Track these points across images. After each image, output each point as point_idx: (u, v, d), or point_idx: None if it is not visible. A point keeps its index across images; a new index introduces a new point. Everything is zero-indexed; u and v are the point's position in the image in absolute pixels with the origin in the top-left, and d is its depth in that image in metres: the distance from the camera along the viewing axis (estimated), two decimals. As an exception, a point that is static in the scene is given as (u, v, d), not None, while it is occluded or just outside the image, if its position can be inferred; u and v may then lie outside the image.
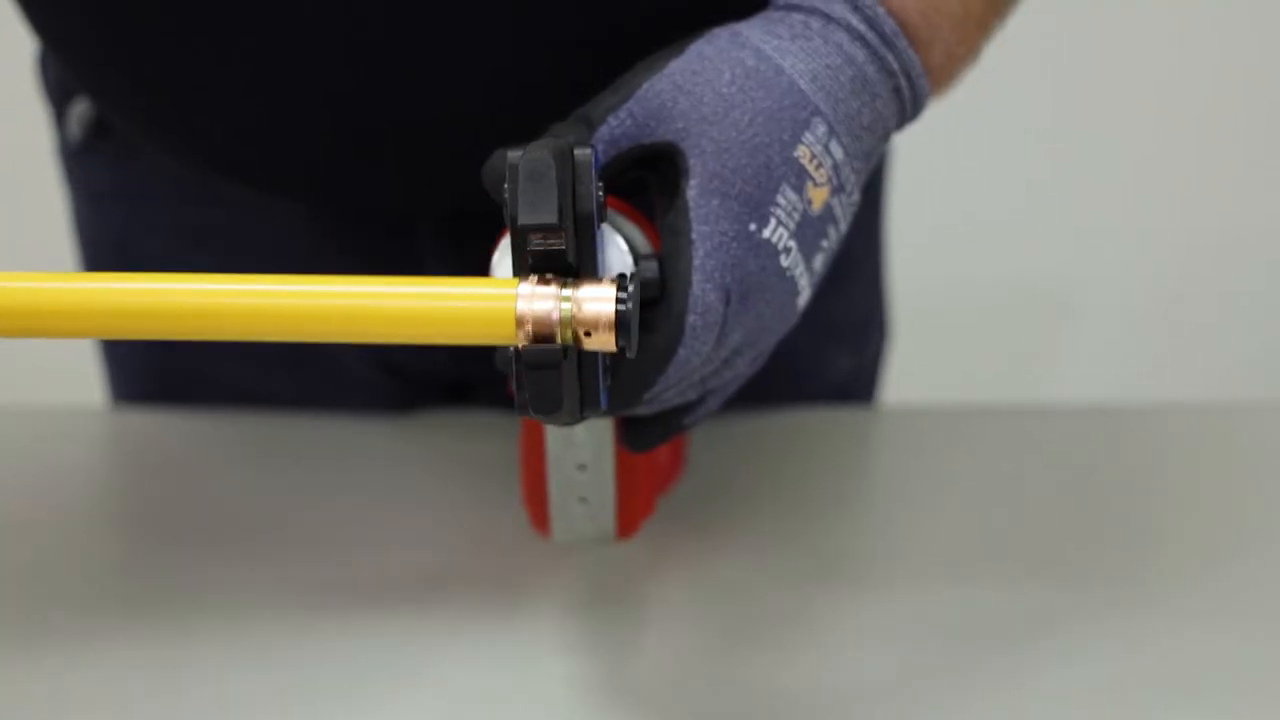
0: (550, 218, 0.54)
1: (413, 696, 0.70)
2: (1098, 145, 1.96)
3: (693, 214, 0.61)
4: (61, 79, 0.89)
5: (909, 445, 0.92)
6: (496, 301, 0.54)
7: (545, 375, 0.54)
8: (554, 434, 0.68)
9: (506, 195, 0.56)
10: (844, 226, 0.66)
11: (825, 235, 0.65)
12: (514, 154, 0.56)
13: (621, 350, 0.56)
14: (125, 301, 0.55)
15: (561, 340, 0.54)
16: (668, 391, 0.63)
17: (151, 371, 0.94)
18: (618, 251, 0.61)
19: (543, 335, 0.55)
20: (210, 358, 0.91)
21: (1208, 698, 0.70)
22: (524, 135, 0.72)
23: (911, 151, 1.15)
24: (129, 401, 0.96)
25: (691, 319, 0.61)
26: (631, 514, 0.71)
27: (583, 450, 0.69)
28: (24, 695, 0.70)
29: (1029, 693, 0.70)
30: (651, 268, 0.62)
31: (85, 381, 1.11)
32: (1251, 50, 1.93)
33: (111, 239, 0.91)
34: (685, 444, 0.81)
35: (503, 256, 0.62)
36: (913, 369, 1.31)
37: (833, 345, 0.94)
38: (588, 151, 0.56)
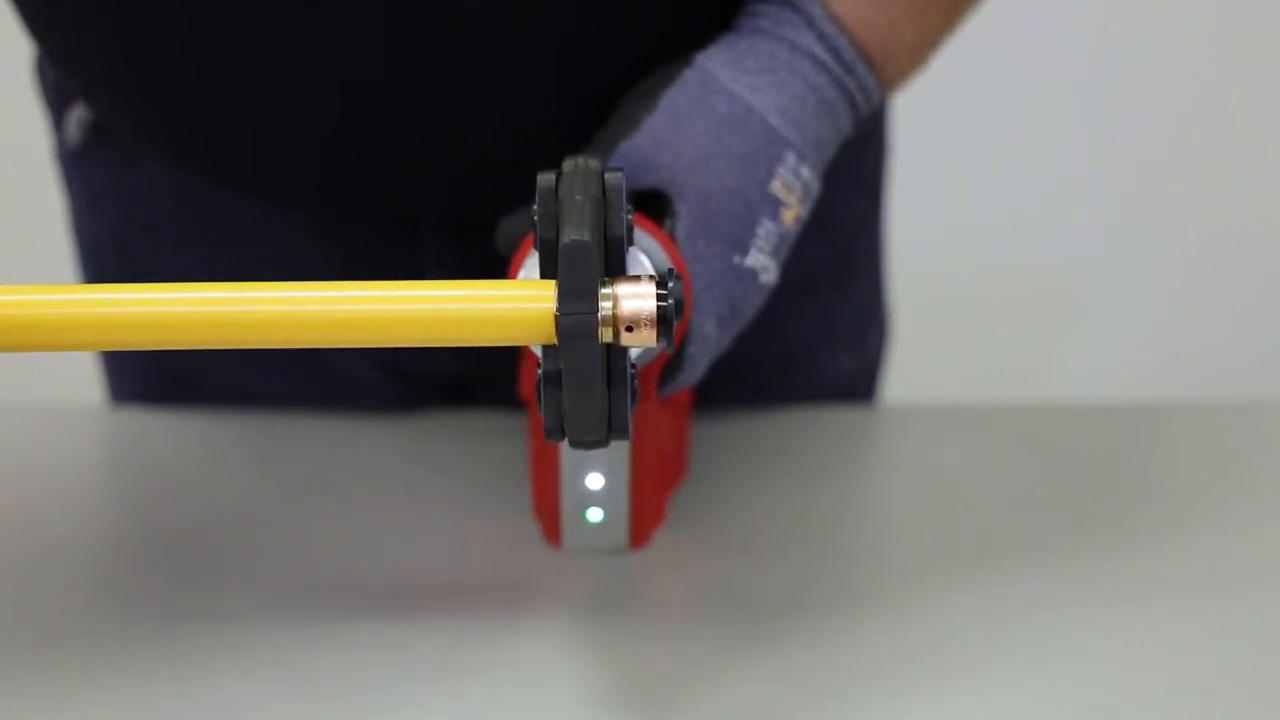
0: (591, 307, 0.53)
1: (414, 703, 0.69)
2: (1099, 142, 1.96)
3: (684, 254, 0.66)
4: (59, 83, 0.89)
5: (910, 444, 0.92)
6: (535, 302, 0.54)
7: (582, 346, 0.53)
8: (568, 448, 0.68)
9: (535, 216, 0.56)
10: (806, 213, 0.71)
11: (793, 234, 0.69)
12: (545, 176, 0.56)
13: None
14: (181, 313, 0.54)
15: (600, 338, 0.53)
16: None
17: (150, 371, 0.94)
18: (641, 269, 0.62)
19: None
20: (208, 359, 0.91)
21: (1212, 696, 0.70)
22: (528, 143, 0.73)
23: (913, 149, 1.15)
24: (127, 400, 0.96)
25: (692, 349, 0.66)
26: (644, 525, 0.72)
27: (597, 464, 0.69)
28: (21, 693, 0.69)
29: (1033, 691, 0.70)
30: (678, 289, 0.63)
31: (83, 380, 1.10)
32: (1258, 45, 1.93)
33: (111, 241, 0.90)
34: (688, 445, 0.81)
35: (529, 274, 0.62)
36: (914, 367, 1.31)
37: (834, 344, 0.94)
38: (619, 175, 0.56)
